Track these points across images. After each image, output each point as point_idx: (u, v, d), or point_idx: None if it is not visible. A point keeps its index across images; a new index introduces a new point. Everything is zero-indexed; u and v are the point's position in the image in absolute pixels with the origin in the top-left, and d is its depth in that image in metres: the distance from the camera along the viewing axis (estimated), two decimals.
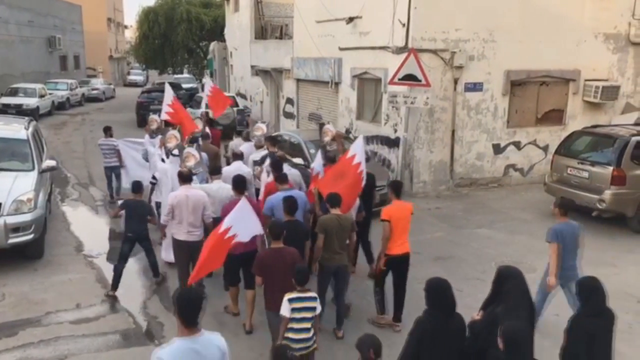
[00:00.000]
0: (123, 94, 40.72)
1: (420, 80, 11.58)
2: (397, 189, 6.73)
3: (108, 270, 8.49)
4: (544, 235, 6.50)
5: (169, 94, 10.87)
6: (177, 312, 3.51)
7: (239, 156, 8.82)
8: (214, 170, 7.98)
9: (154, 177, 9.04)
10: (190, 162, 8.47)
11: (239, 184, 6.72)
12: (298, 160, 11.24)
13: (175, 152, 9.04)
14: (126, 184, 10.82)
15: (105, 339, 6.57)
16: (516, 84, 13.25)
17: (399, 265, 6.63)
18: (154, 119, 11.62)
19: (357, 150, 7.29)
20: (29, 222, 8.51)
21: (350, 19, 14.51)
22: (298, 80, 18.87)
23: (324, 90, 16.87)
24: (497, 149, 13.47)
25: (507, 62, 12.92)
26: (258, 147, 9.46)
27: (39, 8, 34.94)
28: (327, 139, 9.34)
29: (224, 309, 7.13)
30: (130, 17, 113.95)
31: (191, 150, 8.85)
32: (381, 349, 3.92)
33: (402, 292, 6.69)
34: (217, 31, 35.64)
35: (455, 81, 12.64)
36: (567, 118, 13.90)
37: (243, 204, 5.70)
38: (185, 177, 7.25)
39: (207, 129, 11.09)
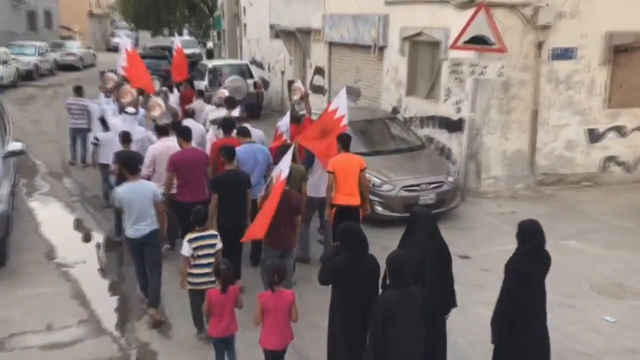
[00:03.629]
0: (105, 60, 41.26)
1: (492, 44, 11.52)
2: (345, 142, 8.81)
3: (86, 283, 8.71)
4: None
5: (125, 43, 13.92)
6: (124, 166, 7.66)
7: (189, 114, 11.55)
8: (174, 126, 9.90)
9: (96, 138, 11.02)
10: (156, 112, 10.80)
11: (185, 132, 9.03)
12: None
13: (130, 109, 10.89)
14: (90, 149, 12.27)
15: None
16: (621, 51, 13.05)
17: (348, 216, 8.02)
18: (111, 77, 13.88)
19: (339, 104, 9.19)
20: None
21: None
22: (331, 44, 18.90)
23: (364, 57, 16.86)
24: (593, 136, 13.32)
25: (608, 21, 12.73)
26: (218, 106, 12.20)
27: None
28: (295, 97, 11.67)
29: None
30: None
31: (157, 99, 11.12)
32: (285, 274, 6.02)
33: None
34: None
35: (539, 46, 12.52)
36: None
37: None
38: (162, 130, 9.48)
39: (166, 89, 14.00)
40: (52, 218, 11.50)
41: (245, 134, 9.44)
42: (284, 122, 10.14)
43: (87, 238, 10.69)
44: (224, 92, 13.04)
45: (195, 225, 6.97)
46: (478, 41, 11.57)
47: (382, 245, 9.14)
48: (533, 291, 5.58)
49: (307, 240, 9.44)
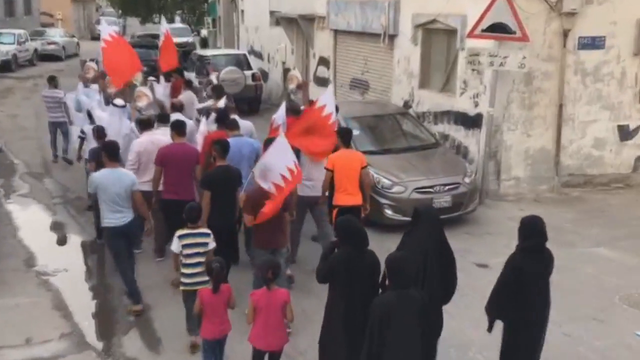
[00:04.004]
0: (90, 49, 41.23)
1: (513, 33, 11.48)
2: (345, 137, 9.05)
3: (68, 293, 8.71)
4: None
5: (106, 27, 13.98)
6: (104, 151, 7.99)
7: (177, 108, 11.40)
8: (162, 118, 10.29)
9: (82, 132, 11.10)
10: (142, 102, 11.02)
11: (179, 126, 9.21)
12: None
13: (118, 102, 10.85)
14: (75, 143, 12.17)
15: None
16: None
17: None
18: (91, 67, 14.32)
19: (327, 101, 9.37)
20: None
21: None
22: (336, 33, 18.89)
23: (372, 47, 16.85)
24: (624, 133, 13.25)
25: None
26: (208, 97, 12.55)
27: None
28: (291, 86, 11.95)
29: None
30: None
31: (144, 89, 11.45)
32: (279, 270, 6.26)
33: None
34: None
35: (565, 34, 12.46)
36: None
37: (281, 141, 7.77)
38: (145, 123, 9.69)
39: (162, 79, 14.43)
40: (32, 222, 11.49)
41: (233, 126, 9.68)
42: (280, 114, 10.21)
43: (69, 243, 10.68)
44: (213, 79, 13.54)
45: (187, 222, 7.14)
46: (497, 29, 11.53)
47: (391, 250, 9.16)
48: (531, 290, 5.88)
49: (296, 241, 9.42)
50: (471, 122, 13.11)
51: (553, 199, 12.68)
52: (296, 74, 12.44)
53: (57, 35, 39.24)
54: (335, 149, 9.15)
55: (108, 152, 7.96)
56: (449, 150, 13.17)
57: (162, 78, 14.70)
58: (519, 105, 12.56)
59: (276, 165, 7.61)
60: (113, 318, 8.18)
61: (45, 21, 46.68)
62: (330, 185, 9.01)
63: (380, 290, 5.91)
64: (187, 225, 7.14)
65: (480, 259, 9.66)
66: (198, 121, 11.14)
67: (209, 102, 11.62)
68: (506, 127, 12.59)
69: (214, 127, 10.27)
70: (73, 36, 42.28)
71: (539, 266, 5.97)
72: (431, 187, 10.92)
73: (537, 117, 12.68)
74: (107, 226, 7.96)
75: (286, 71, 12.77)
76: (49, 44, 37.42)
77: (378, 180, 10.73)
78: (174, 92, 14.01)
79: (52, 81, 14.95)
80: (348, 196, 8.89)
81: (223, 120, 9.93)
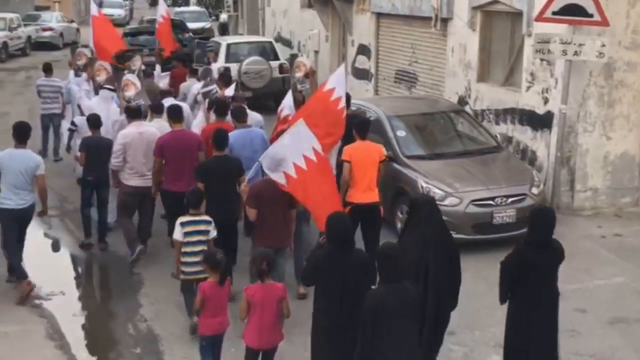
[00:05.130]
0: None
1: (590, 16, 11.40)
2: (362, 128, 9.43)
3: (64, 320, 8.77)
4: None
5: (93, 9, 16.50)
6: (14, 134, 9.10)
7: (166, 93, 12.57)
8: (156, 108, 11.03)
9: (73, 123, 11.94)
10: (130, 91, 11.74)
11: (175, 112, 10.06)
12: None
13: (108, 87, 11.98)
14: (65, 135, 13.20)
15: None
16: None
17: (367, 216, 9.10)
18: (83, 53, 15.08)
19: (336, 83, 9.47)
20: None
21: None
22: (379, 16, 18.90)
23: (422, 33, 16.85)
24: None
25: None
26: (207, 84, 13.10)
27: None
28: (299, 74, 12.37)
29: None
30: None
31: (131, 77, 12.31)
32: (274, 262, 6.83)
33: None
34: None
35: None
36: None
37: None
38: (134, 112, 10.31)
39: (158, 67, 15.75)
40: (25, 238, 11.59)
41: (241, 116, 10.16)
42: (288, 104, 10.76)
43: (66, 262, 10.79)
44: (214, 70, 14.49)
45: (189, 207, 8.04)
46: (572, 12, 11.46)
47: None
48: (535, 284, 6.58)
49: (300, 240, 9.41)
50: (539, 121, 13.02)
51: (638, 213, 12.58)
52: (304, 61, 12.85)
53: (53, 20, 39.55)
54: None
55: (17, 133, 9.15)
56: (512, 155, 13.08)
57: (157, 67, 15.64)
58: (597, 102, 12.44)
59: (291, 154, 8.03)
60: (116, 349, 8.21)
61: (41, 4, 47.19)
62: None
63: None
64: (188, 212, 7.99)
65: None
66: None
67: (212, 87, 12.12)
68: (582, 128, 12.47)
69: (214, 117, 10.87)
70: (72, 21, 42.72)
71: (543, 258, 6.58)
72: (491, 198, 10.83)
73: (618, 116, 12.55)
74: (4, 207, 8.91)
75: (293, 57, 13.31)
76: (45, 30, 37.74)
77: (428, 190, 10.67)
78: (176, 81, 14.56)
79: (49, 69, 15.74)
80: (364, 193, 9.16)
81: (222, 110, 10.45)
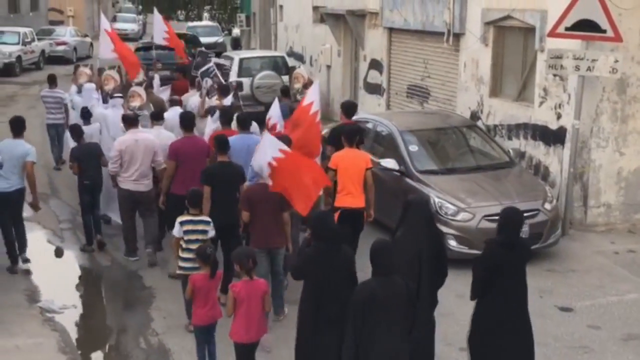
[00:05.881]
0: None
1: (603, 31, 11.38)
2: (350, 136, 9.83)
3: (76, 333, 8.80)
4: None
5: (104, 24, 16.79)
6: (10, 127, 10.55)
7: (176, 102, 13.21)
8: (156, 116, 11.51)
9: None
10: (136, 102, 12.37)
11: (186, 120, 10.61)
12: (389, 163, 11.42)
13: (118, 95, 12.57)
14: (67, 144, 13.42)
15: None
16: None
17: (352, 221, 9.57)
18: (84, 72, 15.81)
19: (314, 97, 10.09)
20: None
21: None
22: (391, 31, 18.92)
23: (434, 48, 16.88)
24: None
25: None
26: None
27: None
28: (297, 85, 13.34)
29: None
30: None
31: (138, 89, 12.89)
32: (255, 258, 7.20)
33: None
34: None
35: None
36: None
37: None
38: (131, 121, 10.78)
39: (157, 77, 16.49)
40: (36, 251, 11.53)
41: (245, 124, 10.70)
42: (275, 113, 11.11)
43: (78, 275, 10.79)
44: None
45: (189, 206, 8.51)
46: (585, 27, 11.44)
47: (457, 292, 9.08)
48: (505, 281, 6.70)
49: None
50: (552, 137, 13.00)
51: None
52: (302, 72, 13.57)
53: (67, 34, 39.73)
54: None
55: (12, 126, 10.43)
56: (525, 170, 13.05)
57: (156, 77, 16.22)
58: (610, 117, 12.41)
59: (263, 160, 8.55)
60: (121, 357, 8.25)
61: (54, 18, 47.48)
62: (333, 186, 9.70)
63: None
64: (188, 212, 8.49)
65: (563, 302, 9.55)
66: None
67: (210, 65, 13.11)
68: (595, 144, 12.44)
69: (214, 126, 11.38)
70: (86, 35, 42.93)
71: (511, 257, 6.72)
72: None
73: (632, 131, 12.51)
74: None
75: (292, 69, 13.94)
76: (58, 44, 37.88)
77: (440, 205, 10.68)
78: (177, 94, 14.95)
79: (53, 81, 16.46)
80: (351, 198, 9.68)
81: (227, 120, 10.98)
